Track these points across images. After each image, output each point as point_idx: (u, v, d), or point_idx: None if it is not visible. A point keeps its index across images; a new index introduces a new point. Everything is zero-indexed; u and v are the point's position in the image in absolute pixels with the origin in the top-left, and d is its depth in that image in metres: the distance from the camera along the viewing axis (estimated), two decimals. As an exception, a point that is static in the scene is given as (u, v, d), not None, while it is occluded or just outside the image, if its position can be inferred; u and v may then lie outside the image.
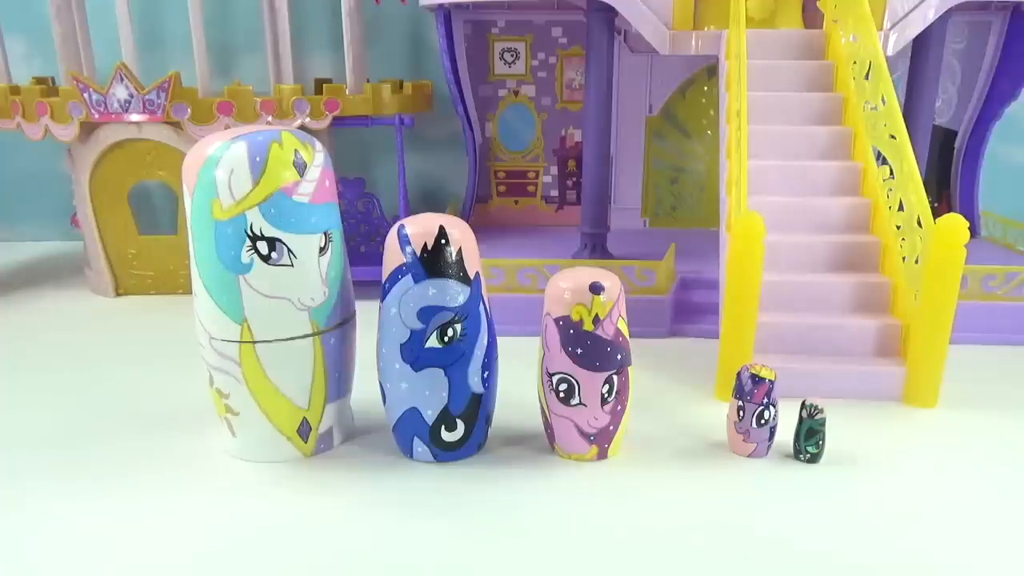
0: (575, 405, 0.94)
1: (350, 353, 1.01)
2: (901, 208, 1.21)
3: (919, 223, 1.14)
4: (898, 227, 1.22)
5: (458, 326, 0.91)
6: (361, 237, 1.83)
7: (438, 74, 1.89)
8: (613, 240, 1.63)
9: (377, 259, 1.00)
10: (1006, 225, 1.75)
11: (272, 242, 0.88)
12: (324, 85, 1.66)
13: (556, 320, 0.93)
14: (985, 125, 1.85)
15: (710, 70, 1.85)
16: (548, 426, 0.99)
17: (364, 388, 1.05)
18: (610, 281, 0.92)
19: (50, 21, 1.65)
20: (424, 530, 0.84)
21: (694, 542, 0.82)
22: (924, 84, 1.55)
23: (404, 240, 0.91)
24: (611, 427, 0.96)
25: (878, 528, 0.84)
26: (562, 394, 0.94)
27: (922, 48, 1.53)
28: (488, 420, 1.00)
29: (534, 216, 1.99)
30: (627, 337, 0.95)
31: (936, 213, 1.12)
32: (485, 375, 0.96)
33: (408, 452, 0.99)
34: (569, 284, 0.92)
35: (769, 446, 1.00)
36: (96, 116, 1.56)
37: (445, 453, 0.97)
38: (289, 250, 0.89)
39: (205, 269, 0.90)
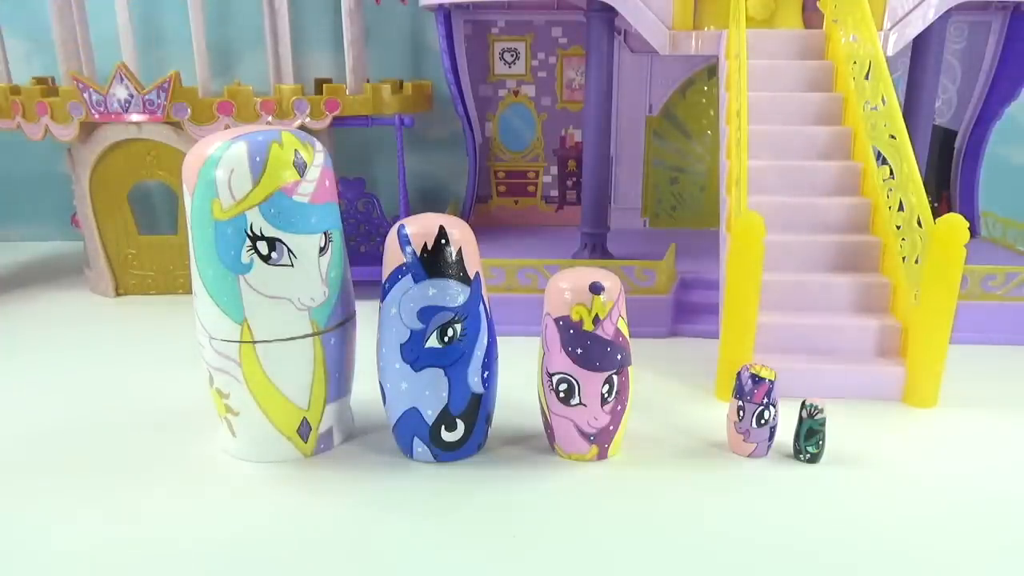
0: (575, 405, 0.94)
1: (350, 353, 1.01)
2: (901, 208, 1.21)
3: (919, 223, 1.14)
4: (898, 227, 1.22)
5: (458, 326, 0.91)
6: (361, 237, 1.83)
7: (438, 74, 1.89)
8: (613, 240, 1.63)
9: (377, 259, 1.00)
10: (1006, 225, 1.76)
11: (272, 242, 0.88)
12: (324, 85, 1.66)
13: (556, 320, 0.93)
14: (985, 125, 1.85)
15: (710, 70, 1.85)
16: (548, 426, 0.99)
17: (364, 388, 1.05)
18: (610, 281, 0.92)
19: (50, 21, 1.65)
20: (424, 530, 0.84)
21: (694, 542, 0.82)
22: (924, 84, 1.55)
23: (404, 240, 0.91)
24: (611, 427, 0.96)
25: (878, 528, 0.84)
26: (562, 394, 0.94)
27: (922, 48, 1.53)
28: (488, 420, 1.00)
29: (534, 216, 1.99)
30: (627, 337, 0.95)
31: (936, 213, 1.12)
32: (485, 375, 0.96)
33: (408, 452, 0.99)
34: (569, 284, 0.92)
35: (769, 446, 1.00)
36: (96, 116, 1.56)
37: (445, 453, 0.97)
38: (289, 250, 0.89)
39: (205, 269, 0.90)
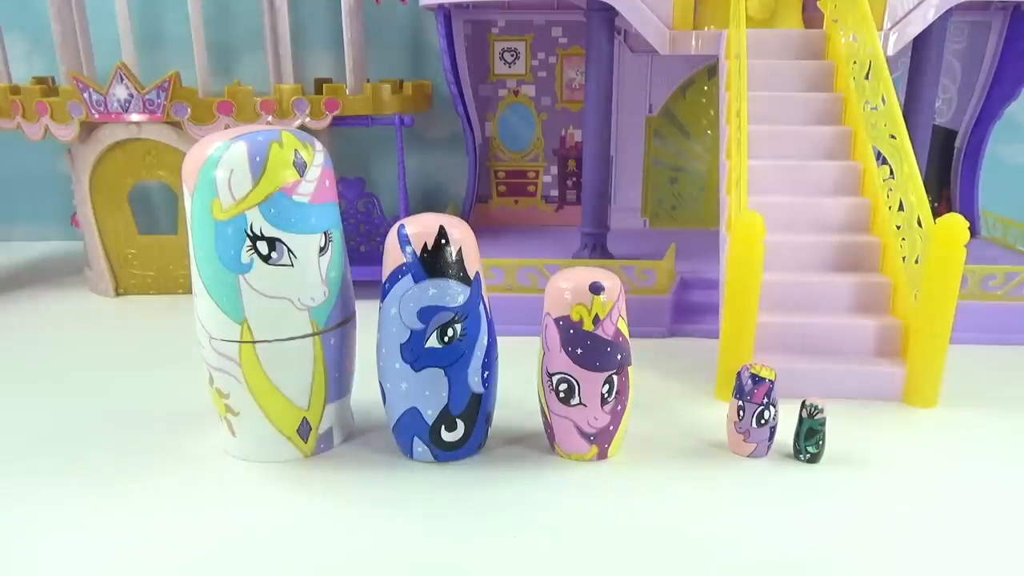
0: (575, 405, 0.94)
1: (350, 353, 1.01)
2: (901, 208, 1.21)
3: (919, 223, 1.14)
4: (898, 227, 1.22)
5: (458, 326, 0.91)
6: (361, 237, 1.83)
7: (438, 74, 1.89)
8: (613, 240, 1.64)
9: (377, 259, 1.00)
10: (1006, 225, 1.76)
11: (272, 242, 0.88)
12: (324, 85, 1.66)
13: (556, 320, 0.93)
14: (985, 125, 1.85)
15: (710, 70, 1.85)
16: (548, 426, 0.99)
17: (364, 388, 1.05)
18: (610, 281, 0.92)
19: (50, 21, 1.65)
20: (424, 530, 0.84)
21: (694, 542, 0.82)
22: (924, 84, 1.55)
23: (404, 240, 0.91)
24: (611, 427, 0.96)
25: (878, 528, 0.84)
26: (562, 394, 0.94)
27: (922, 48, 1.53)
28: (488, 420, 1.00)
29: (534, 216, 1.99)
30: (627, 337, 0.95)
31: (936, 213, 1.12)
32: (485, 375, 0.95)
33: (408, 452, 0.99)
34: (569, 284, 0.92)
35: (769, 446, 1.00)
36: (96, 116, 1.56)
37: (445, 453, 0.97)
38: (289, 250, 0.89)
39: (205, 269, 0.90)
